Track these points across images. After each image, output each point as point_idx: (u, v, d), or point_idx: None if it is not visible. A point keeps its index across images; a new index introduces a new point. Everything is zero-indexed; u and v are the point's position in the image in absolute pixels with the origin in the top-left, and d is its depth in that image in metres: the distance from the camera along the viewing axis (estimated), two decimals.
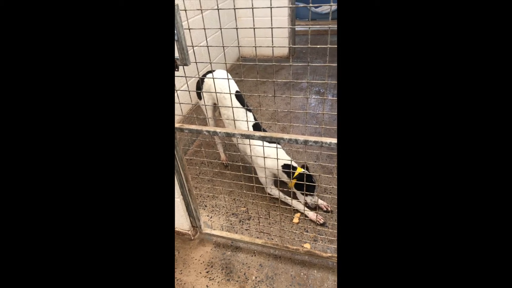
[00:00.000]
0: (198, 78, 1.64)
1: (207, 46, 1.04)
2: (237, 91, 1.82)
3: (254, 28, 0.91)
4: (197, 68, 1.18)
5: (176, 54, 0.98)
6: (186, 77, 1.13)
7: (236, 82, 1.56)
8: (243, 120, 1.54)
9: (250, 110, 1.80)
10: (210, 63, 1.09)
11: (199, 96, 1.92)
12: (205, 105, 1.91)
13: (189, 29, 1.01)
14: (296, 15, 4.84)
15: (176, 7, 0.84)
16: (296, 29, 4.47)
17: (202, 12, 1.10)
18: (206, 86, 1.86)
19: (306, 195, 1.66)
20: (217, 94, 1.77)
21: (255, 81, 1.35)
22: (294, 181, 1.63)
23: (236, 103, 1.76)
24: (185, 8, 0.96)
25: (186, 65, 0.99)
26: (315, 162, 2.06)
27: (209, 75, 1.85)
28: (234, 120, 1.24)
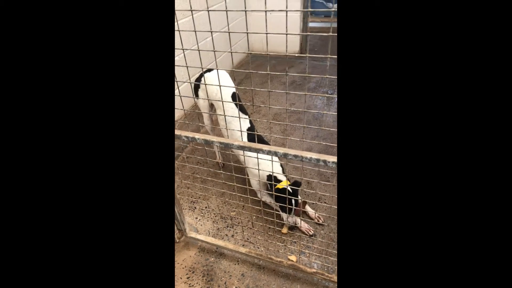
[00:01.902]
0: (197, 76, 1.58)
1: (198, 50, 0.97)
2: (234, 93, 1.75)
3: (253, 32, 0.84)
4: (188, 73, 1.12)
5: None
6: (176, 82, 1.08)
7: (240, 82, 1.49)
8: (237, 125, 1.47)
9: (246, 113, 1.74)
10: (201, 68, 1.05)
11: (197, 95, 1.87)
12: (203, 112, 1.87)
13: (179, 31, 0.96)
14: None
15: None
16: (309, 25, 4.33)
17: (192, 14, 1.03)
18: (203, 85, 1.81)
19: (282, 211, 1.56)
20: (213, 94, 1.72)
21: (259, 80, 1.28)
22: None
23: (231, 104, 1.70)
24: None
25: None
26: (300, 177, 1.98)
27: (206, 74, 1.79)
28: (226, 127, 1.18)
